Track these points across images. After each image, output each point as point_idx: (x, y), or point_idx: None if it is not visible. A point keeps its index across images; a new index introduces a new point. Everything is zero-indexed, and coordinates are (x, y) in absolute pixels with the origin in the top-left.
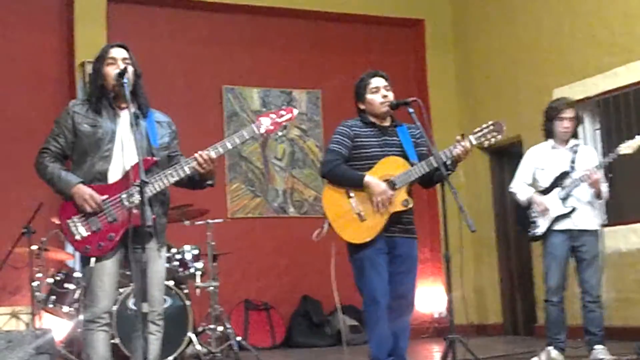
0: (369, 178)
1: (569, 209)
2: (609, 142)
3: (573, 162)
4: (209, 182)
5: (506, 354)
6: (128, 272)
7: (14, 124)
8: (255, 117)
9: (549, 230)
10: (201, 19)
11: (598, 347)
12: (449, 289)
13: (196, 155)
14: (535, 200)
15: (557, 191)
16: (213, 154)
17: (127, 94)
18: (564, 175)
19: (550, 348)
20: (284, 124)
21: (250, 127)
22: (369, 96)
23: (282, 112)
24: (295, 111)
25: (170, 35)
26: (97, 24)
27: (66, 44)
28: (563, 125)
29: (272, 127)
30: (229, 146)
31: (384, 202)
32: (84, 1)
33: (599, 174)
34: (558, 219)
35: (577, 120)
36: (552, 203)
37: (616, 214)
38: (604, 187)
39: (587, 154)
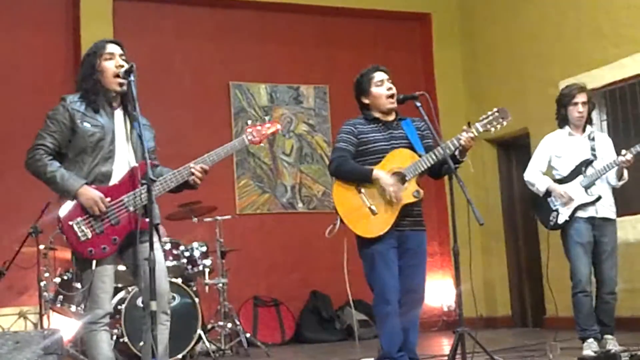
0: (378, 171)
1: (594, 197)
2: (616, 133)
3: (594, 149)
4: (195, 187)
5: (515, 346)
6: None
7: (21, 124)
8: (262, 113)
9: (572, 217)
10: (207, 15)
11: (608, 337)
12: (457, 282)
13: (192, 171)
14: (557, 190)
15: (579, 179)
16: (207, 166)
17: (135, 92)
18: (587, 163)
19: (591, 340)
20: (269, 136)
21: (241, 138)
22: (374, 89)
23: (268, 125)
24: (279, 126)
25: (177, 32)
26: (103, 22)
27: (72, 43)
28: (577, 110)
29: (257, 139)
30: (222, 155)
31: (397, 193)
32: None
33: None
34: (581, 206)
35: (591, 105)
36: (575, 191)
37: (624, 204)
38: (626, 172)
39: (604, 141)
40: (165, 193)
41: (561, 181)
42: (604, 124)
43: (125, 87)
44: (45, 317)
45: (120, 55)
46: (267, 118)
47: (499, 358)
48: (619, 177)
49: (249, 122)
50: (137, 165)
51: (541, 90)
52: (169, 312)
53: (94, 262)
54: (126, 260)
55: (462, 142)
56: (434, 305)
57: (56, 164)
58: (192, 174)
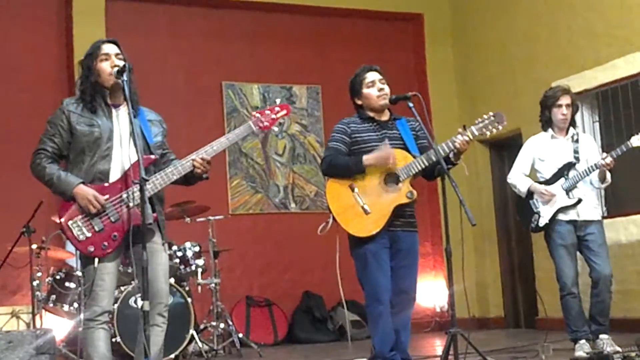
0: (367, 156)
1: (575, 200)
2: (608, 135)
3: (576, 152)
4: (204, 177)
5: (508, 347)
6: (130, 270)
7: (13, 123)
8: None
9: (553, 220)
10: (200, 15)
11: (603, 336)
12: (450, 283)
13: (194, 163)
14: (538, 189)
15: (561, 182)
16: (208, 157)
17: (127, 92)
18: (569, 166)
19: (583, 342)
20: (279, 120)
21: (247, 124)
22: (365, 90)
23: (277, 109)
24: (290, 107)
25: (170, 31)
26: (96, 22)
27: (65, 42)
28: (561, 112)
29: (267, 124)
30: (227, 143)
31: (394, 159)
32: None
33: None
34: (562, 209)
35: (575, 107)
36: (557, 193)
37: (616, 205)
38: (609, 174)
39: (588, 143)
40: (174, 189)
41: (544, 184)
42: (596, 125)
43: (121, 83)
44: (37, 317)
45: (117, 54)
46: (277, 101)
47: (492, 359)
48: (602, 179)
49: (254, 113)
50: (137, 160)
51: (534, 91)
52: (165, 314)
53: (96, 259)
54: (130, 259)
55: (457, 144)
56: (427, 306)
57: (55, 166)
58: (194, 165)
